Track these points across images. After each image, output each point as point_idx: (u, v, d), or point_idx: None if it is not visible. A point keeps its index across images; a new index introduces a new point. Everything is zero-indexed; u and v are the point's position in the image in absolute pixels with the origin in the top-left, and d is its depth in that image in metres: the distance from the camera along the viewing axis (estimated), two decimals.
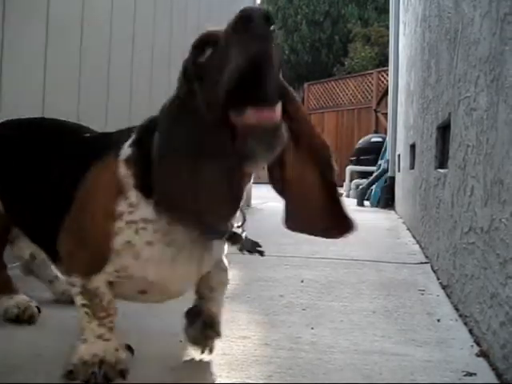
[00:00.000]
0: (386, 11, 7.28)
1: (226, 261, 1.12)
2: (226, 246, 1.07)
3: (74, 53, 2.14)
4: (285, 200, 0.94)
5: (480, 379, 1.00)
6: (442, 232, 1.86)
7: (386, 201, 5.47)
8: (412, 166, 3.38)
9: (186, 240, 0.93)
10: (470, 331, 1.26)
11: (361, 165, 8.08)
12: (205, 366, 1.02)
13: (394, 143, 5.52)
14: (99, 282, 0.97)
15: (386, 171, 5.74)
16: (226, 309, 1.42)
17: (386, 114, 6.61)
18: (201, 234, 0.92)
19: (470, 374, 1.01)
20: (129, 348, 0.99)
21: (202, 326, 1.09)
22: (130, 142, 0.96)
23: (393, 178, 5.41)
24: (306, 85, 13.09)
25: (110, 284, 0.99)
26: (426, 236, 2.38)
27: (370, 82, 12.04)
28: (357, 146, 8.65)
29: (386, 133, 6.55)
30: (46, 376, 0.94)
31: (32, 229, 1.18)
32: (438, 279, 1.85)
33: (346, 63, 15.10)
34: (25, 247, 1.38)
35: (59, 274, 1.46)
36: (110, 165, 0.96)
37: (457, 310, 1.45)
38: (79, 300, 0.98)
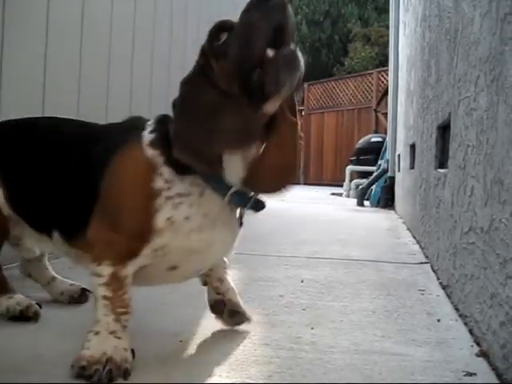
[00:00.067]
0: (386, 11, 7.28)
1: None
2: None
3: (73, 53, 2.14)
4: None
5: (480, 379, 1.00)
6: (441, 232, 1.86)
7: (386, 201, 5.47)
8: (412, 166, 3.38)
9: (217, 210, 1.02)
10: (470, 331, 1.26)
11: (361, 165, 8.08)
12: (205, 366, 1.02)
13: (393, 143, 5.52)
14: (133, 268, 1.01)
15: (385, 171, 5.73)
16: None
17: (386, 113, 6.61)
18: (229, 201, 1.01)
19: (470, 374, 1.01)
20: (131, 350, 0.99)
21: (230, 315, 1.24)
22: (149, 130, 1.04)
23: (393, 178, 5.41)
24: (306, 85, 13.08)
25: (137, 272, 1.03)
26: (426, 236, 2.38)
27: (370, 82, 12.04)
28: (357, 145, 8.65)
29: (385, 133, 6.55)
30: (45, 376, 0.94)
31: (45, 216, 1.17)
32: (438, 279, 1.85)
33: (346, 63, 15.12)
34: (30, 246, 1.38)
35: (57, 275, 1.46)
36: (137, 149, 1.02)
37: (457, 310, 1.45)
38: (101, 291, 0.99)
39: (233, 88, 0.95)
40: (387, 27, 7.03)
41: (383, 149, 6.39)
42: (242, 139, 0.97)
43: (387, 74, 7.51)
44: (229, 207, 1.04)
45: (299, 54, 0.93)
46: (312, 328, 1.27)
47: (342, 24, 16.00)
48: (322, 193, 8.79)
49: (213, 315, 1.28)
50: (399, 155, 4.93)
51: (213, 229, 1.03)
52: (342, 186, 8.58)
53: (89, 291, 1.47)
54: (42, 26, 1.93)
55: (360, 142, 8.67)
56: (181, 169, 0.98)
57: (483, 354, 1.11)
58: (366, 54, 14.56)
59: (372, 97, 11.77)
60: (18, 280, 1.48)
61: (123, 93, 2.56)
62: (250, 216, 1.12)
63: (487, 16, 1.22)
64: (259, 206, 1.06)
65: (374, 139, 8.24)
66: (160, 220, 0.98)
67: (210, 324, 1.29)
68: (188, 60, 3.68)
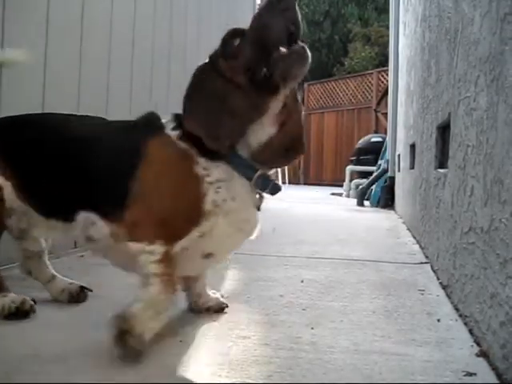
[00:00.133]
0: (386, 11, 7.28)
1: None
2: None
3: (74, 53, 2.14)
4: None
5: (480, 379, 1.00)
6: (441, 232, 1.86)
7: (386, 201, 5.47)
8: (412, 166, 3.38)
9: (245, 194, 1.14)
10: (470, 331, 1.26)
11: (361, 165, 8.08)
12: (205, 366, 1.02)
13: (393, 143, 5.52)
14: (178, 249, 1.10)
15: (385, 171, 5.73)
16: (225, 309, 1.43)
17: (386, 113, 6.61)
18: (254, 184, 1.14)
19: (470, 374, 1.01)
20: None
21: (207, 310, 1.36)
22: (171, 126, 1.16)
23: (393, 178, 5.41)
24: (306, 85, 13.09)
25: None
26: (426, 236, 2.38)
27: (370, 82, 12.05)
28: (357, 145, 8.65)
29: (385, 133, 6.54)
30: (45, 376, 0.94)
31: (73, 201, 1.21)
32: (438, 279, 1.85)
33: (346, 63, 15.11)
34: (38, 237, 1.38)
35: (56, 274, 1.46)
36: (169, 142, 1.14)
37: (457, 310, 1.45)
38: (154, 268, 1.06)
39: (240, 80, 1.08)
40: (387, 27, 7.03)
41: (383, 149, 6.39)
42: (244, 119, 1.10)
43: (387, 74, 7.51)
44: (253, 191, 1.16)
45: (308, 50, 1.06)
46: (312, 328, 1.27)
47: (342, 24, 15.99)
48: (322, 193, 8.79)
49: (212, 315, 1.35)
50: (399, 155, 4.93)
51: (246, 210, 1.16)
52: (342, 186, 8.58)
53: (88, 289, 1.47)
54: (42, 26, 1.93)
55: (360, 142, 8.66)
56: (212, 158, 1.11)
57: (483, 354, 1.11)
58: (366, 54, 14.56)
59: (372, 97, 11.77)
60: (18, 280, 1.48)
61: (123, 93, 2.56)
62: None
63: (487, 16, 1.22)
64: (276, 189, 1.18)
65: (374, 139, 8.23)
66: (207, 203, 1.10)
67: (210, 324, 1.29)
68: (188, 60, 3.70)
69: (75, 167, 1.22)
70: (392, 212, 4.98)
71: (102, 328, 1.22)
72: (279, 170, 1.32)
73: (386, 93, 7.68)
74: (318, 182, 12.45)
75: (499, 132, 1.08)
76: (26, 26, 1.84)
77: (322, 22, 16.07)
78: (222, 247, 1.20)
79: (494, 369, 1.03)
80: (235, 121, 1.09)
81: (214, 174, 1.11)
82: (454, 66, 1.67)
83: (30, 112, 1.42)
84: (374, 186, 6.01)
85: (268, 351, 1.10)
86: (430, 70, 2.43)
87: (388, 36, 6.35)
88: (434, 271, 1.99)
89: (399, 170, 4.87)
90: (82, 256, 2.08)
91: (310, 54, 1.06)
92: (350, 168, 8.31)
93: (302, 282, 1.77)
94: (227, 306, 1.40)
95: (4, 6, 1.71)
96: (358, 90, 12.32)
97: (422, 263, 2.18)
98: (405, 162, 4.06)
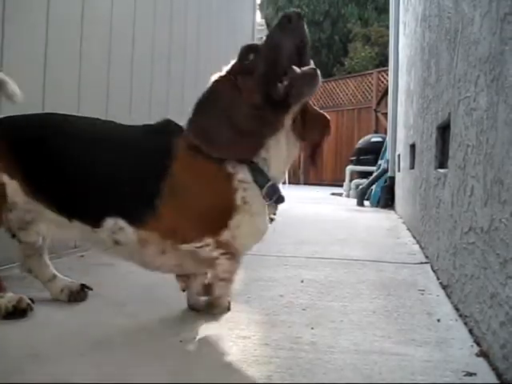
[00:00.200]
0: (386, 11, 7.28)
1: None
2: None
3: (73, 53, 2.14)
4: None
5: (480, 379, 1.00)
6: (441, 232, 1.86)
7: (386, 201, 5.47)
8: (412, 166, 3.38)
9: (260, 198, 1.23)
10: (470, 331, 1.26)
11: (361, 165, 8.08)
12: (205, 366, 1.02)
13: (393, 143, 5.52)
14: (227, 235, 1.21)
15: (385, 171, 5.73)
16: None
17: (386, 113, 6.61)
18: (265, 193, 1.23)
19: (470, 374, 1.01)
20: None
21: (209, 309, 1.37)
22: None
23: (393, 178, 5.41)
24: None
25: None
26: (426, 236, 2.38)
27: (370, 82, 12.05)
28: (357, 145, 8.65)
29: (385, 133, 6.55)
30: (44, 376, 0.94)
31: (100, 206, 1.25)
32: (438, 279, 1.85)
33: (346, 63, 15.11)
34: (38, 233, 1.38)
35: (57, 273, 1.46)
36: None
37: (457, 309, 1.45)
38: (216, 252, 1.21)
39: (256, 99, 1.18)
40: (387, 27, 7.03)
41: (383, 149, 6.39)
42: (259, 136, 1.21)
43: (387, 74, 7.51)
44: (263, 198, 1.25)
45: (318, 71, 1.15)
46: (312, 328, 1.27)
47: (342, 24, 15.99)
48: (322, 193, 8.79)
49: (212, 314, 1.34)
50: (399, 155, 4.93)
51: (264, 213, 1.26)
52: (342, 186, 8.58)
53: (88, 288, 1.47)
54: (42, 26, 1.93)
55: (360, 142, 8.67)
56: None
57: (483, 354, 1.11)
58: (365, 54, 14.56)
59: (372, 97, 11.77)
60: (17, 280, 1.48)
61: (123, 93, 2.56)
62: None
63: (487, 16, 1.22)
64: (281, 200, 1.28)
65: (374, 139, 8.24)
66: (238, 198, 1.20)
67: (210, 324, 1.29)
68: (188, 60, 3.70)
69: (102, 172, 1.24)
70: (392, 212, 4.98)
71: (101, 328, 1.22)
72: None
73: (386, 93, 7.68)
74: (318, 182, 12.45)
75: (499, 132, 1.08)
76: (25, 26, 1.84)
77: (321, 22, 16.06)
78: (243, 244, 1.26)
79: (494, 369, 1.03)
80: (250, 138, 1.20)
81: (240, 174, 1.21)
82: (454, 66, 1.67)
83: (30, 112, 1.41)
84: (373, 186, 6.01)
85: (268, 351, 1.10)
86: (429, 69, 2.43)
87: (388, 36, 6.35)
88: (433, 271, 1.99)
89: (399, 170, 4.87)
90: (82, 256, 2.08)
91: (320, 74, 1.16)
92: (350, 168, 8.31)
93: (302, 282, 1.77)
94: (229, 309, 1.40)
95: (4, 5, 1.71)
96: (358, 89, 12.32)
97: (421, 263, 2.18)
98: (405, 162, 4.06)
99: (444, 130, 2.05)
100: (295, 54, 1.14)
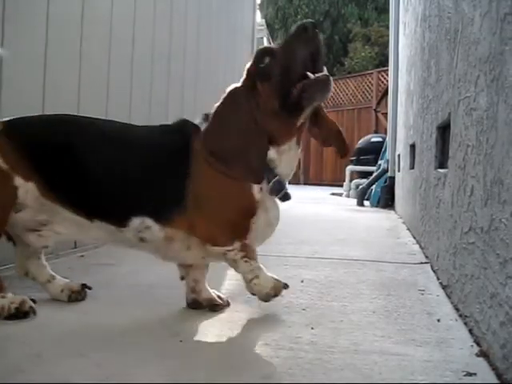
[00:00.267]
0: (386, 11, 7.28)
1: None
2: None
3: (73, 53, 2.14)
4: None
5: (480, 379, 1.00)
6: (441, 232, 1.86)
7: (386, 201, 5.47)
8: (412, 166, 3.38)
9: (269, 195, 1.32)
10: (470, 331, 1.26)
11: (361, 165, 8.09)
12: (205, 366, 1.02)
13: (393, 143, 5.52)
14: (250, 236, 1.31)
15: (385, 171, 5.73)
16: (225, 308, 1.43)
17: (386, 113, 6.61)
18: (271, 189, 1.31)
19: (470, 374, 1.01)
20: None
21: (211, 308, 1.39)
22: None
23: (393, 178, 5.41)
24: None
25: None
26: (426, 236, 2.38)
27: (370, 82, 12.05)
28: (357, 145, 8.65)
29: (385, 133, 6.55)
30: (44, 376, 0.94)
31: (128, 206, 1.28)
32: (438, 279, 1.85)
33: (345, 63, 15.12)
34: (50, 235, 1.37)
35: (55, 274, 1.46)
36: None
37: (457, 309, 1.45)
38: (241, 256, 1.30)
39: (272, 104, 1.25)
40: (387, 27, 7.03)
41: (383, 149, 6.39)
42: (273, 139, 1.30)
43: (387, 74, 7.51)
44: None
45: (331, 78, 1.23)
46: (312, 328, 1.27)
47: (342, 24, 16.00)
48: (322, 193, 8.79)
49: (212, 315, 1.34)
50: (399, 155, 4.93)
51: (276, 209, 1.35)
52: (342, 186, 8.58)
53: (88, 287, 1.46)
54: (42, 26, 1.93)
55: (360, 142, 8.67)
56: None
57: (483, 354, 1.11)
58: (365, 54, 14.56)
59: (372, 97, 11.77)
60: (18, 280, 1.48)
61: (123, 93, 2.56)
62: None
63: (487, 16, 1.22)
64: (287, 197, 1.34)
65: (374, 139, 8.24)
66: (256, 192, 1.28)
67: (210, 324, 1.29)
68: (188, 60, 3.70)
69: (128, 174, 1.28)
70: (392, 212, 4.98)
71: (101, 328, 1.22)
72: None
73: (386, 93, 7.68)
74: (318, 182, 12.46)
75: (499, 132, 1.08)
76: (25, 25, 1.84)
77: (322, 22, 16.06)
78: (256, 239, 1.34)
79: (494, 369, 1.03)
80: (263, 144, 1.28)
81: None
82: (454, 66, 1.67)
83: (30, 113, 1.41)
84: (374, 186, 6.01)
85: (268, 351, 1.10)
86: (429, 69, 2.43)
87: (388, 36, 6.35)
88: (433, 271, 1.99)
89: (399, 170, 4.87)
90: (82, 256, 2.08)
91: (332, 81, 1.24)
92: (349, 168, 8.31)
93: (302, 282, 1.77)
94: (228, 305, 1.41)
95: (4, 5, 1.71)
96: (358, 89, 12.32)
97: (421, 263, 2.18)
98: (405, 162, 4.06)
99: (444, 130, 2.05)
100: (309, 61, 1.21)
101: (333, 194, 8.46)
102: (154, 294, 1.55)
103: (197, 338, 1.19)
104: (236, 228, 1.28)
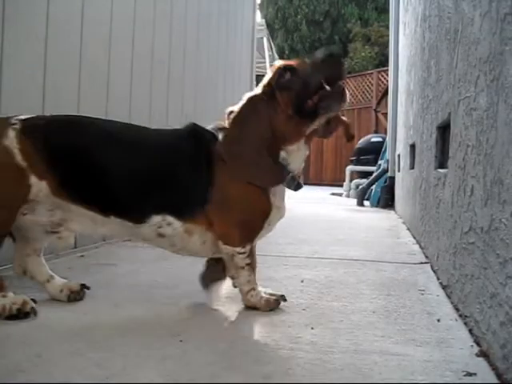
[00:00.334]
0: (386, 11, 7.28)
1: None
2: None
3: (74, 53, 2.14)
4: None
5: (480, 379, 1.00)
6: (441, 232, 1.86)
7: (386, 201, 5.47)
8: (412, 166, 3.38)
9: (281, 190, 1.42)
10: (470, 331, 1.26)
11: (361, 165, 8.08)
12: (205, 366, 1.02)
13: (393, 143, 5.52)
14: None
15: (385, 171, 5.73)
16: (225, 308, 1.43)
17: (386, 113, 6.61)
18: (287, 184, 1.41)
19: (470, 374, 1.01)
20: None
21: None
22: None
23: (393, 178, 5.41)
24: None
25: None
26: (426, 236, 2.38)
27: (370, 82, 12.05)
28: (357, 145, 8.65)
29: (385, 133, 6.55)
30: (45, 376, 0.94)
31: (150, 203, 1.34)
32: (438, 279, 1.85)
33: (345, 63, 15.11)
34: (69, 236, 1.41)
35: (54, 274, 1.46)
36: None
37: (457, 309, 1.45)
38: (246, 261, 1.38)
39: (288, 110, 1.32)
40: (387, 27, 7.03)
41: (383, 149, 6.39)
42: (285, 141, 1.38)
43: (387, 74, 7.51)
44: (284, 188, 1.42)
45: (346, 90, 1.33)
46: (312, 328, 1.27)
47: (342, 24, 16.00)
48: (322, 193, 8.78)
49: (212, 314, 1.34)
50: (399, 155, 4.93)
51: (283, 204, 1.43)
52: (342, 186, 8.58)
53: (87, 287, 1.46)
54: (42, 25, 1.93)
55: (360, 141, 8.66)
56: None
57: (483, 354, 1.11)
58: (365, 53, 14.56)
59: (372, 97, 11.77)
60: (18, 280, 1.48)
61: (123, 93, 2.56)
62: None
63: (487, 16, 1.22)
64: (299, 186, 1.42)
65: (374, 139, 8.24)
66: (272, 194, 1.37)
67: (210, 324, 1.29)
68: (188, 60, 3.70)
69: (147, 174, 1.33)
70: (392, 212, 4.98)
71: (101, 328, 1.22)
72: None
73: (386, 93, 7.67)
74: (318, 182, 12.45)
75: (499, 132, 1.08)
76: (25, 25, 1.84)
77: (321, 22, 16.07)
78: (264, 234, 1.43)
79: (494, 369, 1.03)
80: (280, 167, 1.37)
81: None
82: (454, 66, 1.67)
83: (30, 113, 1.41)
84: (374, 186, 6.01)
85: (268, 351, 1.10)
86: (429, 69, 2.43)
87: (388, 36, 6.35)
88: (433, 271, 1.99)
89: (399, 170, 4.87)
90: (82, 256, 2.08)
91: (348, 93, 1.34)
92: (350, 168, 8.31)
93: (302, 281, 1.77)
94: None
95: (4, 5, 1.71)
96: (358, 89, 12.32)
97: (421, 263, 2.18)
98: (405, 162, 4.06)
99: (444, 130, 2.05)
100: (330, 82, 1.31)
101: (333, 194, 8.45)
102: (154, 293, 1.55)
103: (197, 338, 1.19)
104: (251, 229, 1.37)
